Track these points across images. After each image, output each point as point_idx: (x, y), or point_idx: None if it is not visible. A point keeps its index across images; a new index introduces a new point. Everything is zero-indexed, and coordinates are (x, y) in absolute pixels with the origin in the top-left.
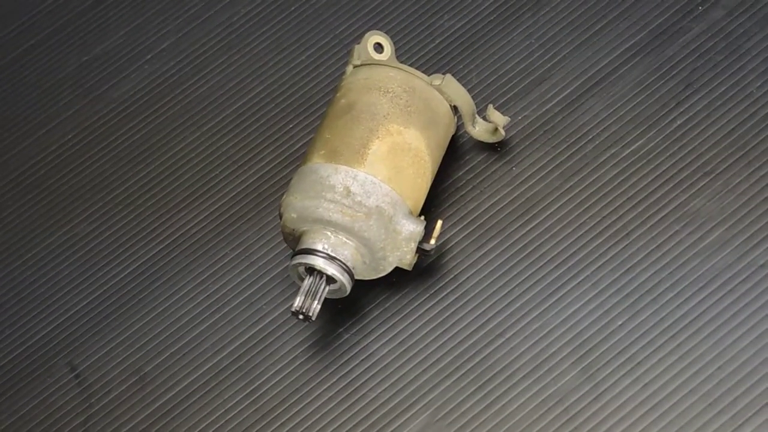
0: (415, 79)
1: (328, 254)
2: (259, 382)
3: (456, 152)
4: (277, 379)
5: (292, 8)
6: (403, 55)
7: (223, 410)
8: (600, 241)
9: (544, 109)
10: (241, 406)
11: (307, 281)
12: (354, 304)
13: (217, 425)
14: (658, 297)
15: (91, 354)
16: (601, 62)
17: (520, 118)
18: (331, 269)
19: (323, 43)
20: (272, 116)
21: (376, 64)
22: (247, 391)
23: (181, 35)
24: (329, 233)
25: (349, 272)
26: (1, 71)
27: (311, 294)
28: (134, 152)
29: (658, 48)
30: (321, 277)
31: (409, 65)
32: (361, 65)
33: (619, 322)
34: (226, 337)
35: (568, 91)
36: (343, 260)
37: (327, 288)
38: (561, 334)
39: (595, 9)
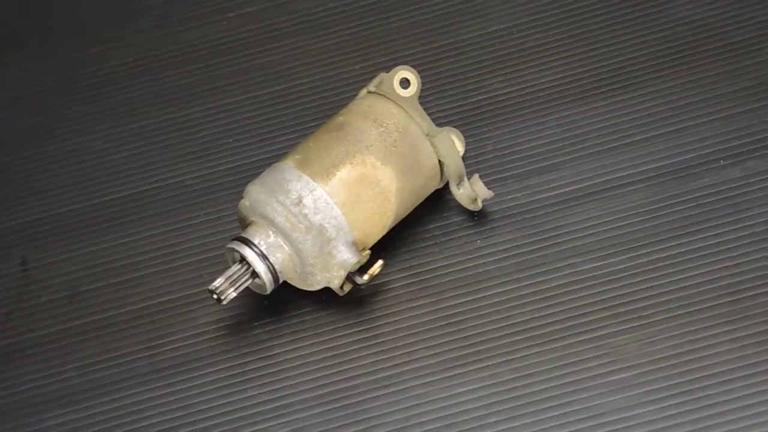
0: (413, 124)
1: (261, 251)
2: (163, 340)
3: (437, 205)
4: (180, 345)
5: (369, 22)
6: (434, 95)
7: (117, 353)
8: (520, 343)
9: (535, 198)
10: (138, 356)
11: (234, 268)
12: (279, 305)
13: (107, 364)
14: (561, 406)
15: (46, 257)
16: (610, 174)
17: (509, 197)
18: (259, 266)
19: (380, 60)
20: (305, 105)
21: (385, 97)
22: (150, 344)
23: (267, 6)
24: (270, 232)
25: (275, 275)
26: None
27: (233, 281)
28: (177, 94)
29: (666, 183)
30: (247, 269)
31: (435, 108)
32: (374, 93)
33: (494, 420)
34: (161, 289)
35: (565, 190)
36: (273, 262)
37: (250, 281)
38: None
39: (630, 125)
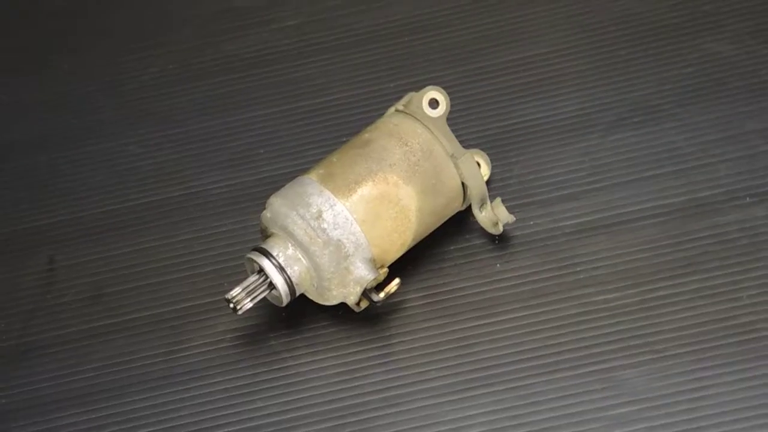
0: (438, 144)
1: (279, 263)
2: (180, 346)
3: (459, 226)
4: (195, 351)
5: (406, 41)
6: (464, 117)
7: (134, 356)
8: (529, 371)
9: (556, 225)
10: (154, 360)
11: (251, 279)
12: (296, 318)
13: (123, 367)
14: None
15: (73, 257)
16: (632, 206)
17: (531, 223)
18: (276, 278)
19: (414, 79)
20: (337, 120)
21: (411, 116)
22: (166, 349)
23: (308, 21)
24: (289, 245)
25: (292, 287)
26: None
27: (249, 291)
28: (213, 103)
29: (688, 218)
30: (264, 280)
31: (464, 129)
32: (402, 112)
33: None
34: (181, 295)
35: (587, 219)
36: (290, 274)
37: (267, 292)
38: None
39: (655, 158)
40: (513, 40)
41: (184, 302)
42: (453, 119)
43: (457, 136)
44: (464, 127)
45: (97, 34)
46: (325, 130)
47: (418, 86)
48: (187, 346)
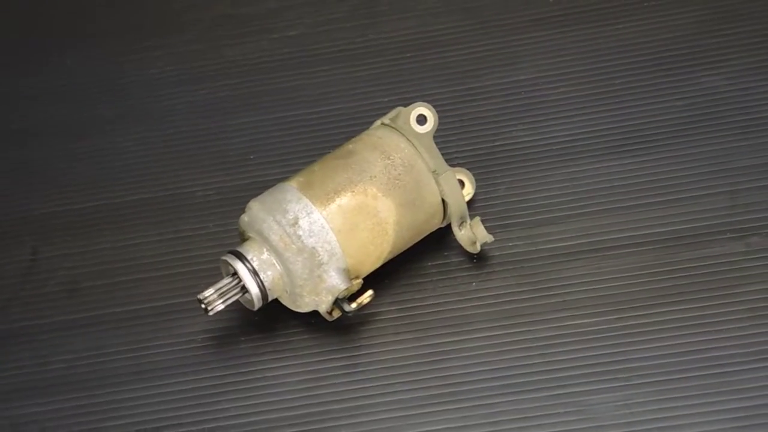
0: (420, 160)
1: (253, 267)
2: (151, 344)
3: (439, 243)
4: (165, 350)
5: (403, 58)
6: (455, 136)
7: (104, 351)
8: (496, 390)
9: (536, 248)
10: (124, 356)
11: (225, 281)
12: (269, 323)
13: (92, 360)
14: None
15: (56, 249)
16: (613, 234)
17: (510, 245)
18: (249, 282)
19: (408, 95)
20: (330, 131)
21: (396, 131)
22: (137, 346)
23: (309, 32)
24: (264, 250)
25: (264, 292)
26: None
27: (222, 293)
28: (210, 106)
29: (667, 249)
30: (237, 283)
31: (453, 148)
32: (387, 125)
33: None
34: (157, 294)
35: (567, 244)
36: (263, 279)
37: (240, 295)
38: None
39: (640, 188)
40: (509, 63)
41: (160, 300)
42: (443, 137)
43: (445, 154)
44: (454, 145)
45: (102, 33)
46: (316, 141)
47: (412, 102)
48: (158, 343)
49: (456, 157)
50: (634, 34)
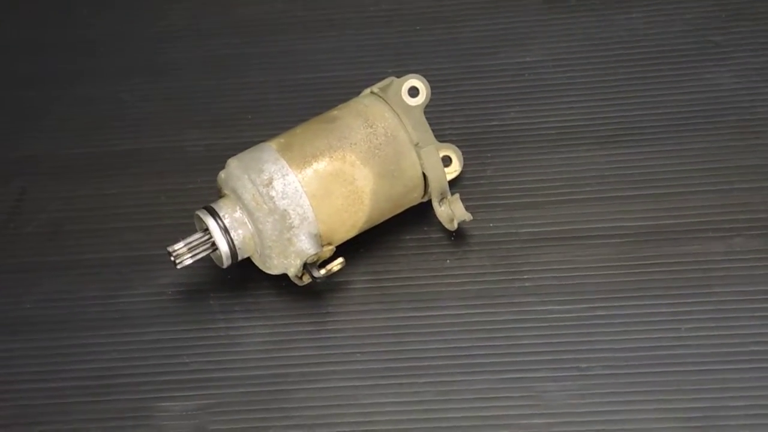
0: (403, 131)
1: (224, 225)
2: (121, 292)
3: (420, 218)
4: (134, 300)
5: (413, 30)
6: (452, 111)
7: (75, 295)
8: (452, 368)
9: (514, 231)
10: (93, 302)
11: (196, 236)
12: (240, 282)
13: (62, 304)
14: None
15: (43, 192)
16: (594, 223)
17: (491, 225)
18: (219, 240)
19: (413, 67)
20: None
21: (383, 100)
22: (107, 293)
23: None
24: (237, 208)
25: (233, 251)
26: None
27: (191, 248)
28: (213, 63)
29: (647, 243)
30: (208, 239)
31: (448, 124)
32: (375, 94)
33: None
34: (134, 243)
35: (545, 230)
36: (234, 237)
37: (210, 251)
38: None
39: (628, 179)
40: (517, 43)
41: (136, 250)
42: (439, 112)
43: (438, 130)
44: (448, 121)
45: None
46: (316, 105)
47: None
48: (128, 293)
49: (449, 134)
50: (645, 24)
